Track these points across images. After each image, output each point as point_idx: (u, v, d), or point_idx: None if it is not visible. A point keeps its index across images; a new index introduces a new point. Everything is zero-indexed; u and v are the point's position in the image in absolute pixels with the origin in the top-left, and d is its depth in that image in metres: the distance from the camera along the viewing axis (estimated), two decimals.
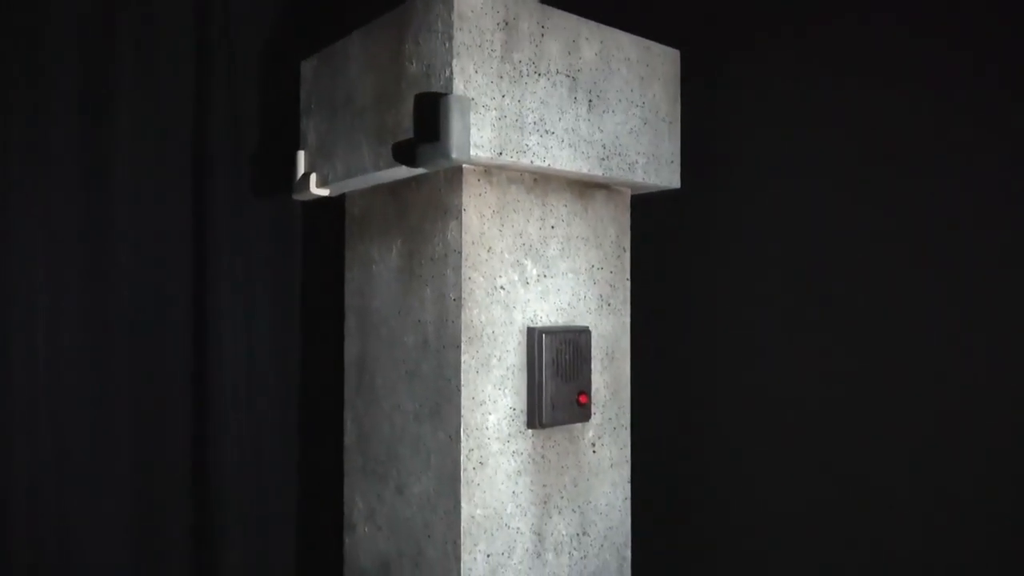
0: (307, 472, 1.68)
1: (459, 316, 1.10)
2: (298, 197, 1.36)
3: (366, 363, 1.29)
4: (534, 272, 1.18)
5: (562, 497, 1.21)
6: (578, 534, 1.24)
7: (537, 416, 1.16)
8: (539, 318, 1.18)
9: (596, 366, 1.26)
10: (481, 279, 1.11)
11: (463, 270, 1.10)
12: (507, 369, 1.14)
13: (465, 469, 1.09)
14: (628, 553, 1.32)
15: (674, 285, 1.55)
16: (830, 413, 1.31)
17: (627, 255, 1.32)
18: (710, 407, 1.51)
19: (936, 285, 1.20)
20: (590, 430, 1.25)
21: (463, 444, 1.09)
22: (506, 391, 1.14)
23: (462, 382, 1.09)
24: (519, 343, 1.16)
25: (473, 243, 1.11)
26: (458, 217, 1.10)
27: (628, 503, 1.31)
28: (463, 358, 1.09)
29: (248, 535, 1.56)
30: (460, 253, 1.10)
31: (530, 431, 1.17)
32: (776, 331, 1.39)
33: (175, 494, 1.51)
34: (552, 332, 1.17)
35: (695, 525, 1.53)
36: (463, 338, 1.09)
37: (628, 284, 1.32)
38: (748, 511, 1.44)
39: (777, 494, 1.39)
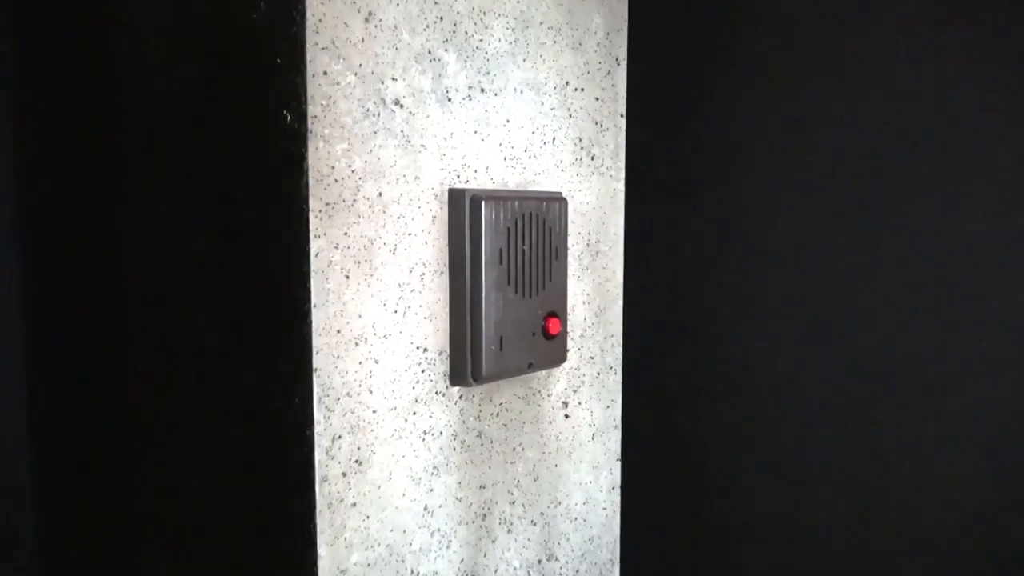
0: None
1: (302, 158, 0.50)
2: None
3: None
4: (462, 79, 0.59)
5: (512, 502, 0.67)
6: (539, 560, 0.70)
7: (470, 362, 0.59)
8: (471, 172, 0.60)
9: (571, 265, 0.70)
10: (352, 78, 0.52)
11: (309, 52, 0.50)
12: (410, 271, 0.57)
13: (326, 479, 0.53)
14: (616, 572, 0.80)
15: (690, 130, 0.98)
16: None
17: (622, 70, 0.74)
18: (743, 330, 0.97)
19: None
20: (561, 379, 0.70)
21: (319, 426, 0.52)
22: (408, 315, 0.57)
23: (313, 295, 0.51)
24: (434, 218, 0.58)
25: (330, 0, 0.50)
26: None
27: (617, 494, 0.79)
28: (313, 246, 0.51)
29: None
30: (301, 15, 0.50)
31: (456, 390, 0.61)
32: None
33: None
34: (499, 198, 0.60)
35: (714, 526, 1.00)
36: (311, 206, 0.51)
37: (623, 122, 0.75)
38: (786, 506, 0.93)
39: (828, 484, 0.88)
